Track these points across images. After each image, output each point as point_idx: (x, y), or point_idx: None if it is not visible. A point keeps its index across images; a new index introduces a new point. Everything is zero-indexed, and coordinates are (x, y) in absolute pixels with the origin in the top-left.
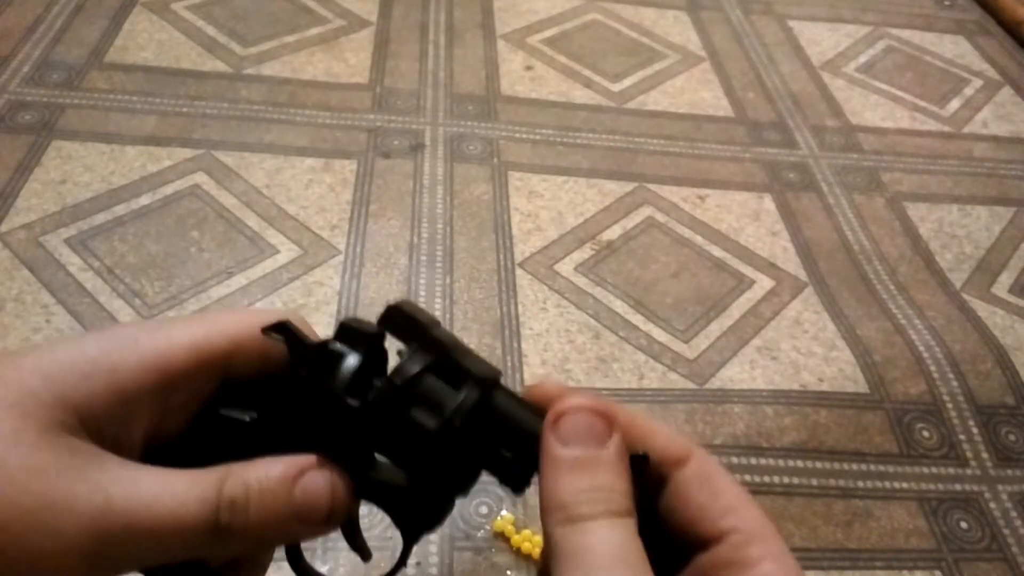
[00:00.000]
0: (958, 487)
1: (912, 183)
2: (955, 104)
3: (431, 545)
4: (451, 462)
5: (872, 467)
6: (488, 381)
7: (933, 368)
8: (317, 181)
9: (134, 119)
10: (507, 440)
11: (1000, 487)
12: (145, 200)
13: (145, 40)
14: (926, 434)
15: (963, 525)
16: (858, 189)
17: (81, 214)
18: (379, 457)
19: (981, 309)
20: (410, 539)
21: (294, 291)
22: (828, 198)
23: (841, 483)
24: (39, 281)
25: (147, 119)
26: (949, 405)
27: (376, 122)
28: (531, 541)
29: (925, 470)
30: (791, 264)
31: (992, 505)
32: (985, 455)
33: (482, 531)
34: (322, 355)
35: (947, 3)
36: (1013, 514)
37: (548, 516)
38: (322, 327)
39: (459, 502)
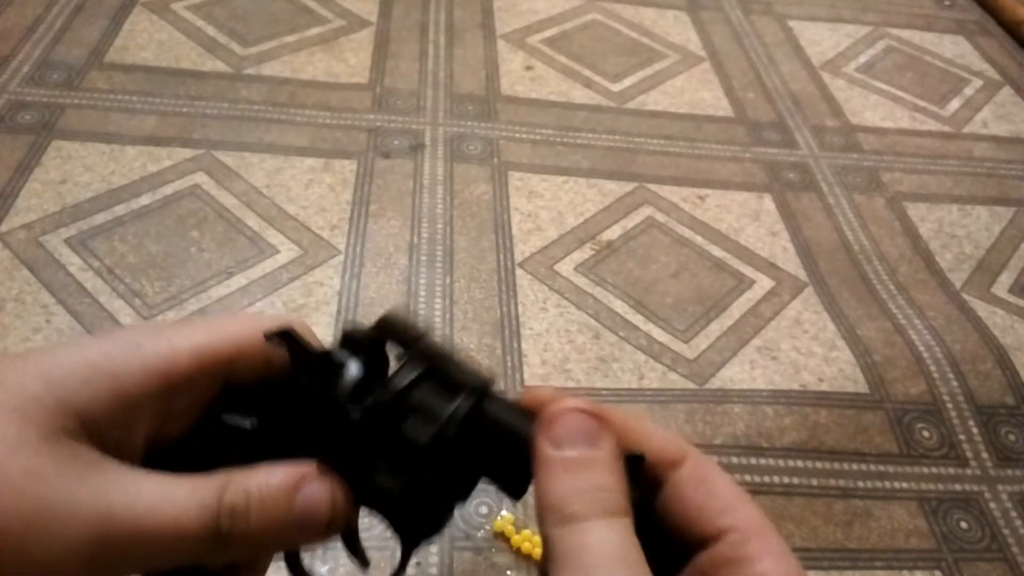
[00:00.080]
0: (958, 487)
1: (912, 183)
2: (955, 104)
3: (431, 545)
4: (448, 471)
5: (872, 467)
6: (480, 389)
7: (933, 368)
8: (317, 181)
9: (134, 119)
10: (502, 446)
11: (1000, 487)
12: (145, 200)
13: (145, 40)
14: (926, 434)
15: (963, 525)
16: (858, 189)
17: (81, 214)
18: (378, 465)
19: (981, 309)
20: (409, 547)
21: (294, 291)
22: (828, 198)
23: (841, 483)
24: (39, 281)
25: (147, 119)
26: (949, 405)
27: (376, 122)
28: (531, 541)
29: (925, 470)
30: (791, 264)
31: (992, 505)
32: (985, 455)
33: (482, 531)
34: (325, 363)
35: (947, 3)
36: (1013, 514)
37: (544, 518)
38: (322, 327)
39: (458, 506)
